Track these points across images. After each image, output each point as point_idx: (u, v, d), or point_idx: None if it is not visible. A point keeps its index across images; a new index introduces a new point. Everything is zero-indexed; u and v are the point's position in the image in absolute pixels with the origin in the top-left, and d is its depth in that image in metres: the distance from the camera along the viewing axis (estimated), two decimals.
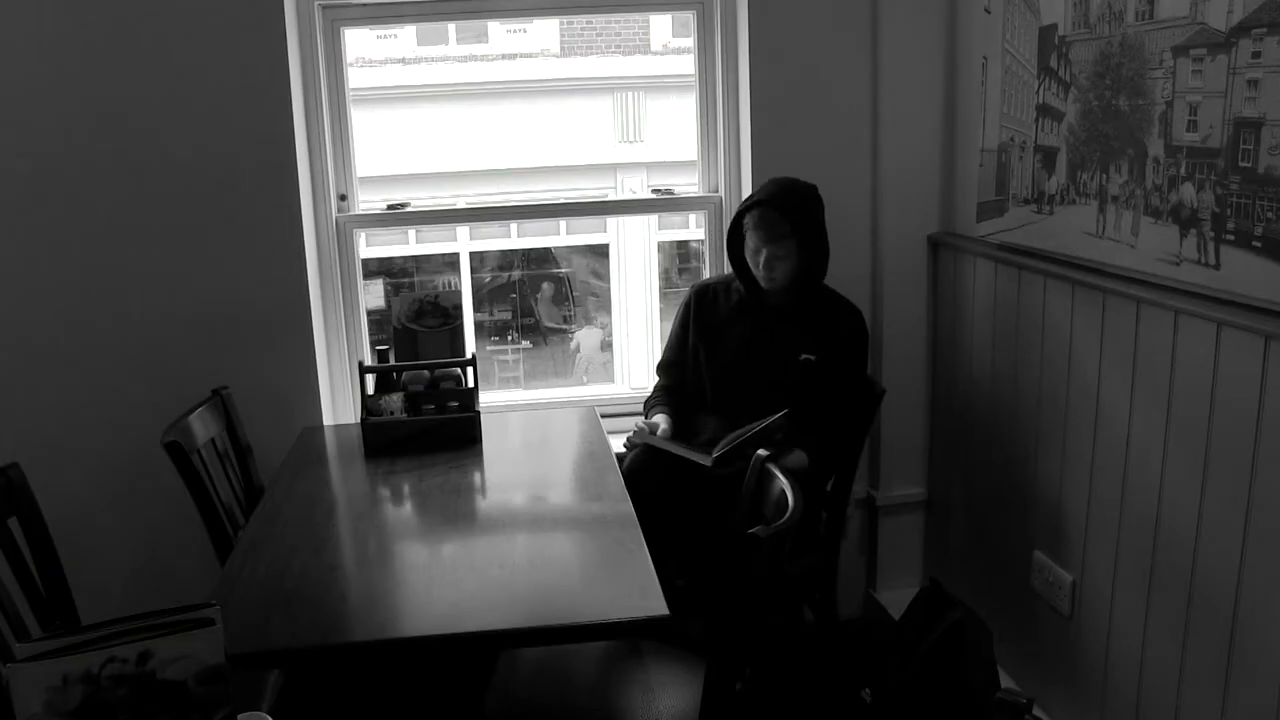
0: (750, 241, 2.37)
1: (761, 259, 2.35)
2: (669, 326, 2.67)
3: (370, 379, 2.51)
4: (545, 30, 7.91)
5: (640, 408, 2.69)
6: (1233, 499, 1.73)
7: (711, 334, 2.50)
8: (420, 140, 7.21)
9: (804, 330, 2.41)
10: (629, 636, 1.99)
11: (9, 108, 2.54)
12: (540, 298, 7.91)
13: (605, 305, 7.88)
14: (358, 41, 7.04)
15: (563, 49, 8.07)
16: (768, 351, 2.42)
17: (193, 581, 2.70)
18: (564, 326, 7.83)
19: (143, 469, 2.62)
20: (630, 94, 7.65)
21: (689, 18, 2.86)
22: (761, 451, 1.87)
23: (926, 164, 2.75)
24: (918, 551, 2.98)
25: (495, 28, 7.82)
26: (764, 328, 2.43)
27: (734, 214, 2.44)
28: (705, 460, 2.22)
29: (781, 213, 2.33)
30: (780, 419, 2.22)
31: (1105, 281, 2.02)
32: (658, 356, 2.67)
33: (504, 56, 7.93)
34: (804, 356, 2.39)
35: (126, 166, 2.60)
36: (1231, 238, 1.69)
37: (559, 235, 7.80)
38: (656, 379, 2.62)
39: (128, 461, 2.68)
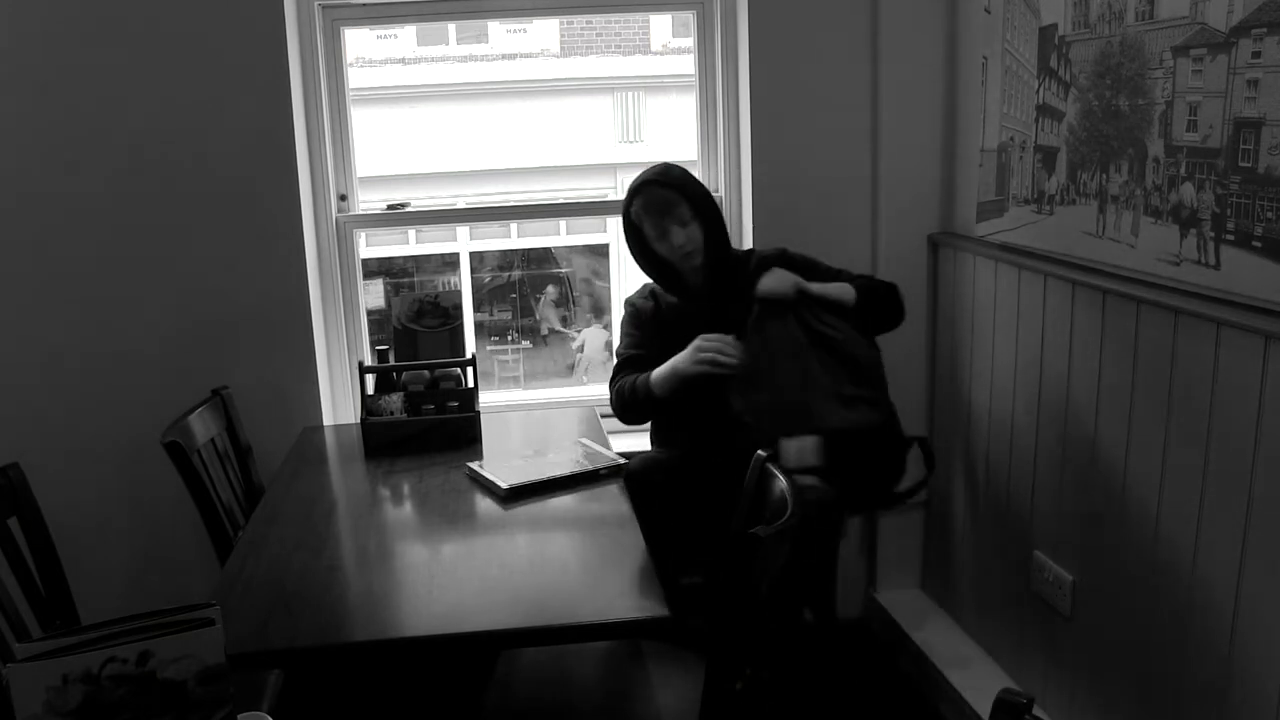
0: (649, 229, 2.32)
1: (671, 236, 2.29)
2: None
3: (370, 379, 2.52)
4: (545, 30, 7.92)
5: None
6: (1233, 499, 1.73)
7: (665, 342, 2.36)
8: (420, 140, 7.22)
9: (747, 296, 2.28)
10: (629, 636, 1.99)
11: (7, 108, 2.54)
12: (544, 300, 7.89)
13: (604, 305, 7.88)
14: (358, 41, 7.04)
15: (563, 49, 8.07)
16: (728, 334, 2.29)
17: (193, 581, 2.70)
18: (564, 330, 7.82)
19: (143, 469, 2.62)
20: (630, 94, 7.65)
21: (689, 18, 2.86)
22: (761, 452, 1.86)
23: (926, 164, 2.75)
24: (918, 551, 2.98)
25: (495, 28, 7.82)
26: (711, 316, 2.31)
27: (624, 225, 2.37)
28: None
29: (660, 185, 2.30)
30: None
31: (1105, 281, 2.02)
32: None
33: (504, 56, 7.93)
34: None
35: (126, 166, 2.60)
36: (1231, 238, 1.69)
37: (559, 235, 7.80)
38: (620, 373, 2.42)
39: (128, 461, 2.68)
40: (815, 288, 2.25)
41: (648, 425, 2.49)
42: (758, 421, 2.17)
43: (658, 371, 2.31)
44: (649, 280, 2.46)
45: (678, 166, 2.38)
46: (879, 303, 2.32)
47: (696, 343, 2.24)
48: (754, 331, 2.22)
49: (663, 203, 2.30)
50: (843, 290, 2.28)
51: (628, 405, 2.37)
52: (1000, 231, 2.44)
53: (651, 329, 2.43)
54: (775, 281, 2.24)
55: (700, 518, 2.23)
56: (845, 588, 2.93)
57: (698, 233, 2.31)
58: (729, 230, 2.47)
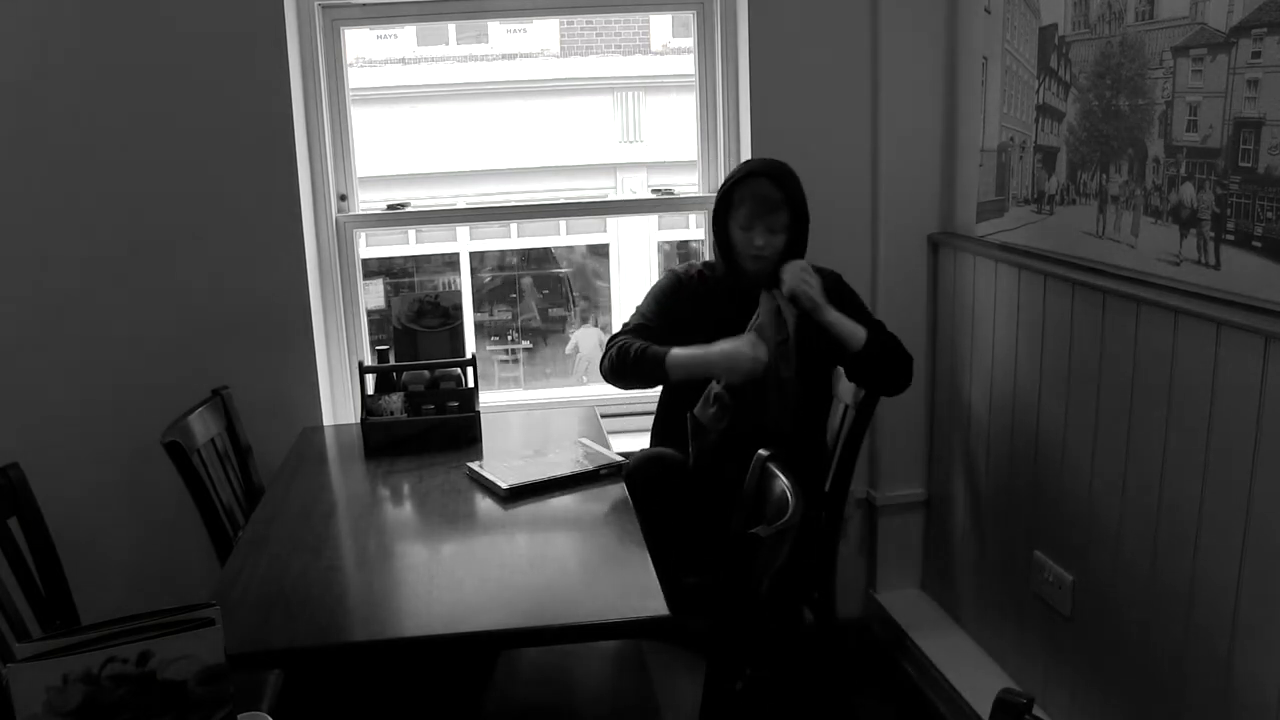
0: (741, 216, 2.29)
1: (755, 233, 2.28)
2: None
3: (370, 379, 2.52)
4: (545, 30, 7.92)
5: (636, 408, 2.67)
6: (1233, 499, 1.73)
7: (694, 324, 2.37)
8: (420, 140, 7.22)
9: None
10: (629, 636, 1.98)
11: (7, 106, 2.54)
12: (522, 291, 7.86)
13: (603, 305, 7.88)
14: (358, 41, 7.04)
15: (563, 49, 8.07)
16: None
17: (193, 581, 2.70)
18: (548, 327, 7.81)
19: (143, 469, 2.62)
20: (630, 94, 7.65)
21: (689, 18, 2.86)
22: (762, 451, 1.86)
23: (926, 164, 2.75)
24: (917, 552, 2.98)
25: (495, 28, 7.82)
26: (749, 311, 2.31)
27: (721, 189, 2.34)
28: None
29: (775, 183, 2.28)
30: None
31: (1105, 281, 2.02)
32: None
33: (504, 56, 7.93)
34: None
35: (125, 166, 2.60)
36: (1231, 238, 1.69)
37: (559, 235, 7.80)
38: (625, 336, 2.37)
39: (128, 462, 2.68)
40: (831, 316, 2.24)
41: (647, 427, 2.50)
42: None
43: (680, 352, 2.25)
44: (698, 261, 2.45)
45: (791, 168, 2.36)
46: (885, 362, 2.30)
47: (748, 350, 2.20)
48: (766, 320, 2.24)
49: (769, 201, 2.27)
50: (854, 331, 2.25)
51: (627, 367, 2.29)
52: (1000, 231, 2.44)
53: (685, 308, 2.40)
54: (801, 283, 2.23)
55: (700, 517, 2.24)
56: (845, 588, 2.93)
57: (780, 243, 2.30)
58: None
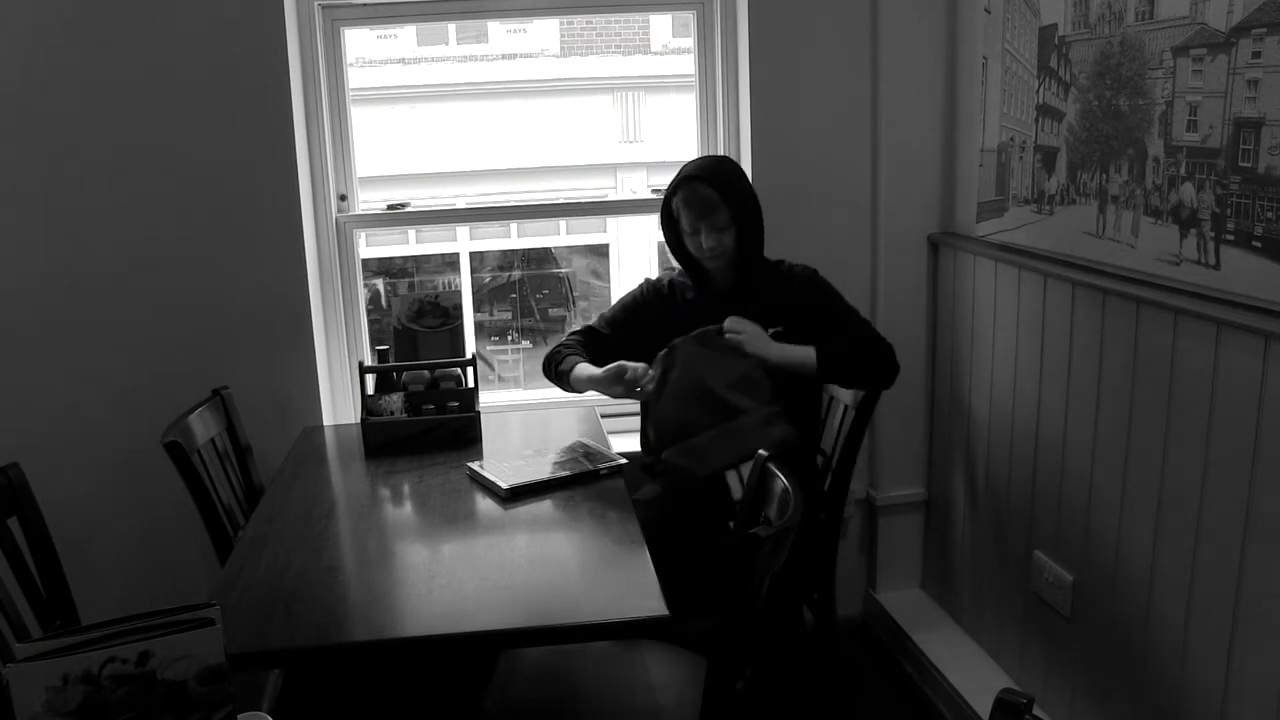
0: (685, 223, 2.30)
1: (701, 236, 2.27)
2: None
3: (370, 379, 2.52)
4: (545, 30, 7.93)
5: (636, 408, 2.67)
6: (1233, 499, 1.73)
7: (655, 342, 2.33)
8: (420, 140, 7.22)
9: (760, 303, 2.32)
10: (629, 636, 1.99)
11: (8, 106, 2.54)
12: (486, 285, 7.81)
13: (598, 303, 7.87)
14: (358, 41, 7.05)
15: (563, 49, 8.08)
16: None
17: (193, 581, 2.70)
18: (548, 327, 7.81)
19: (143, 469, 2.62)
20: (630, 94, 7.66)
21: (689, 18, 2.86)
22: (762, 452, 1.87)
23: (926, 164, 2.75)
24: (917, 551, 2.98)
25: (495, 28, 7.83)
26: (722, 315, 2.31)
27: (662, 205, 2.36)
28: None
29: (708, 184, 2.26)
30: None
31: (1105, 281, 2.02)
32: None
33: (504, 56, 7.94)
34: (771, 330, 2.29)
35: (126, 166, 2.60)
36: (1231, 238, 1.69)
37: (559, 235, 7.81)
38: (574, 337, 2.47)
39: (128, 461, 2.68)
40: (776, 356, 2.23)
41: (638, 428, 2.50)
42: (687, 463, 2.18)
43: (580, 371, 2.32)
44: (677, 266, 2.44)
45: (733, 164, 2.37)
46: (851, 367, 2.30)
47: (614, 369, 2.24)
48: (662, 371, 2.23)
49: (704, 203, 2.26)
50: (804, 358, 2.25)
51: (550, 373, 2.43)
52: (1000, 231, 2.44)
53: (646, 326, 2.40)
54: (748, 339, 2.23)
55: (700, 517, 2.24)
56: (845, 588, 2.93)
57: (730, 240, 2.28)
58: None
